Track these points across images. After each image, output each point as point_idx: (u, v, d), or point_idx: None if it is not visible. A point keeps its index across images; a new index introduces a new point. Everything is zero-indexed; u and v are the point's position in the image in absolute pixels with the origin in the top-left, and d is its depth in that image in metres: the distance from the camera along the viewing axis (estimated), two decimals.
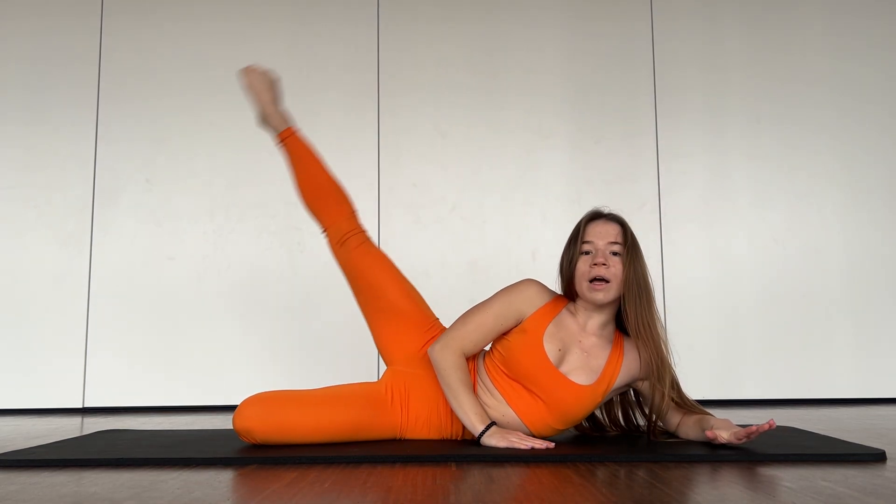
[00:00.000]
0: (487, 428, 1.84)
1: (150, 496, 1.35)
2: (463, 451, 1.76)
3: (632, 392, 2.06)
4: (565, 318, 1.96)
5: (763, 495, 1.30)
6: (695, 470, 1.56)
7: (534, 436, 1.96)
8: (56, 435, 2.36)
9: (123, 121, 3.63)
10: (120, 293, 3.53)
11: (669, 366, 1.92)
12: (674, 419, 1.95)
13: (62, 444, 1.99)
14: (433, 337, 2.05)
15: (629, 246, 1.92)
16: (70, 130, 3.61)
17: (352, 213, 2.19)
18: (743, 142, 3.64)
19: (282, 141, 2.26)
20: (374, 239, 3.53)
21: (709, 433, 1.77)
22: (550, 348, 1.91)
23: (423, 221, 3.59)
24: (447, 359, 1.90)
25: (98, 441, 2.05)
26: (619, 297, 1.92)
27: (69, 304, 3.51)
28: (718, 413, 2.27)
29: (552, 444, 1.80)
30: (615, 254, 1.91)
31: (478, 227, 3.59)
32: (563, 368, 1.92)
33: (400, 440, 1.96)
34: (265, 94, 2.29)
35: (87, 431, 2.51)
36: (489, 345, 2.01)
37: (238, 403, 1.94)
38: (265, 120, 2.30)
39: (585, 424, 2.12)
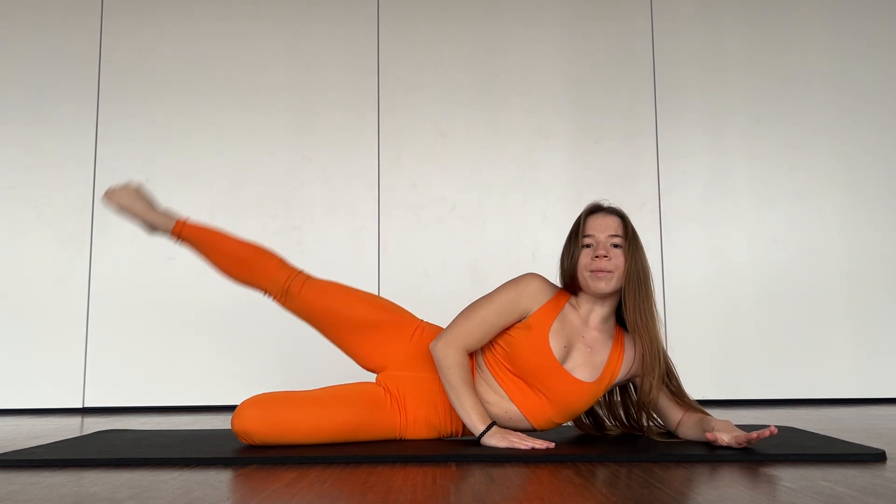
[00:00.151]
0: (488, 428, 1.84)
1: (150, 496, 1.35)
2: (463, 451, 1.77)
3: (632, 389, 2.06)
4: (569, 312, 1.96)
5: (763, 495, 1.30)
6: (695, 470, 1.56)
7: (535, 430, 1.97)
8: (56, 435, 2.36)
9: (123, 121, 3.63)
10: (120, 293, 3.53)
11: (663, 357, 1.94)
12: (674, 418, 1.95)
13: (62, 444, 1.98)
14: (419, 336, 2.04)
15: (630, 238, 1.93)
16: (70, 130, 3.61)
17: (280, 263, 2.13)
18: (743, 142, 3.64)
19: (178, 237, 2.15)
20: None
21: (709, 435, 1.77)
22: (556, 345, 1.91)
23: (423, 221, 3.59)
24: (450, 357, 1.90)
25: (98, 441, 2.05)
26: (621, 289, 1.93)
27: (69, 304, 3.51)
28: (718, 413, 2.27)
29: (552, 444, 1.80)
30: (616, 246, 1.92)
31: (478, 227, 3.59)
32: (568, 365, 1.93)
33: (400, 440, 1.96)
34: (138, 206, 2.17)
35: (87, 431, 2.51)
36: None
37: (238, 403, 1.94)
38: (152, 228, 2.18)
39: (586, 421, 2.12)
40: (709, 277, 3.57)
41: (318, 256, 3.56)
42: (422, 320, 2.11)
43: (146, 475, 1.56)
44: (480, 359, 2.00)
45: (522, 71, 3.69)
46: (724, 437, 1.75)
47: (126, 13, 3.70)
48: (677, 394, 1.96)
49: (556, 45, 3.71)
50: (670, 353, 1.99)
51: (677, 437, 1.94)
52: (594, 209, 1.99)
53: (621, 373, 1.98)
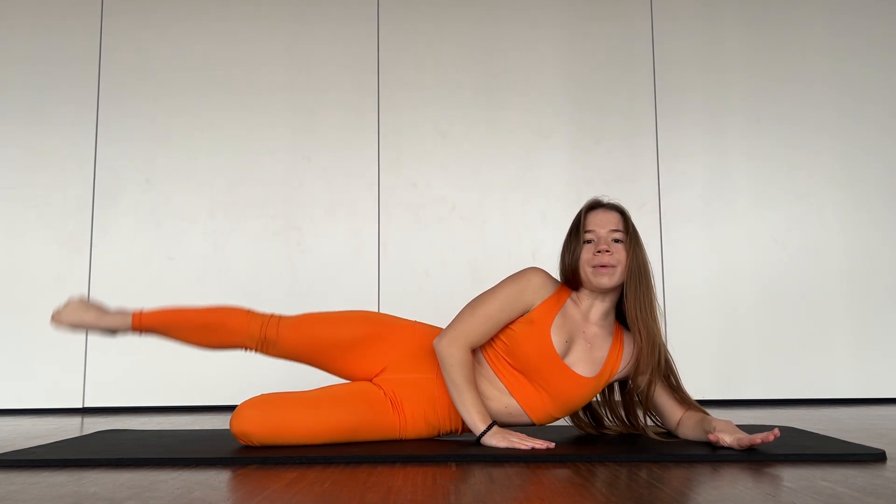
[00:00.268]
0: (489, 428, 1.84)
1: (150, 496, 1.35)
2: (463, 451, 1.76)
3: (632, 387, 2.06)
4: (570, 308, 1.97)
5: (763, 495, 1.30)
6: (695, 470, 1.56)
7: (533, 425, 1.98)
8: (56, 435, 2.36)
9: (123, 121, 3.63)
10: (120, 293, 3.51)
11: (662, 351, 1.94)
12: (673, 417, 1.95)
13: (62, 444, 1.98)
14: (410, 338, 2.03)
15: (630, 233, 1.94)
16: (70, 130, 3.61)
17: (247, 315, 2.05)
18: (743, 142, 3.64)
19: (139, 329, 2.07)
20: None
21: (711, 437, 1.77)
22: (558, 340, 1.92)
23: (423, 221, 3.59)
24: (454, 355, 1.90)
25: (98, 441, 2.05)
26: (622, 283, 1.94)
27: None
28: (719, 413, 2.27)
29: (552, 444, 1.80)
30: (617, 241, 1.93)
31: (478, 227, 3.59)
32: (568, 360, 1.93)
33: (400, 440, 1.96)
34: (89, 317, 2.07)
35: (87, 431, 2.51)
36: None
37: (237, 404, 1.94)
38: (112, 331, 2.09)
39: (585, 419, 2.12)
40: (709, 277, 3.57)
41: (318, 256, 3.56)
42: (409, 320, 2.11)
43: (146, 475, 1.56)
44: (480, 354, 2.00)
45: (522, 71, 3.69)
46: (727, 439, 1.75)
47: (126, 13, 3.70)
48: (677, 390, 1.96)
49: (556, 45, 3.71)
50: (670, 353, 1.99)
51: (677, 437, 1.94)
52: (594, 205, 2.00)
53: (620, 368, 1.99)
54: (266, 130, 3.64)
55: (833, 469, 1.54)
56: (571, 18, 3.73)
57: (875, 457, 1.68)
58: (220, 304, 2.11)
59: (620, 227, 1.95)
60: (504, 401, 1.96)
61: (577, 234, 1.96)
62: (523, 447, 1.77)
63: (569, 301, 1.98)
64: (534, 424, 2.00)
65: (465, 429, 1.97)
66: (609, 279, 1.91)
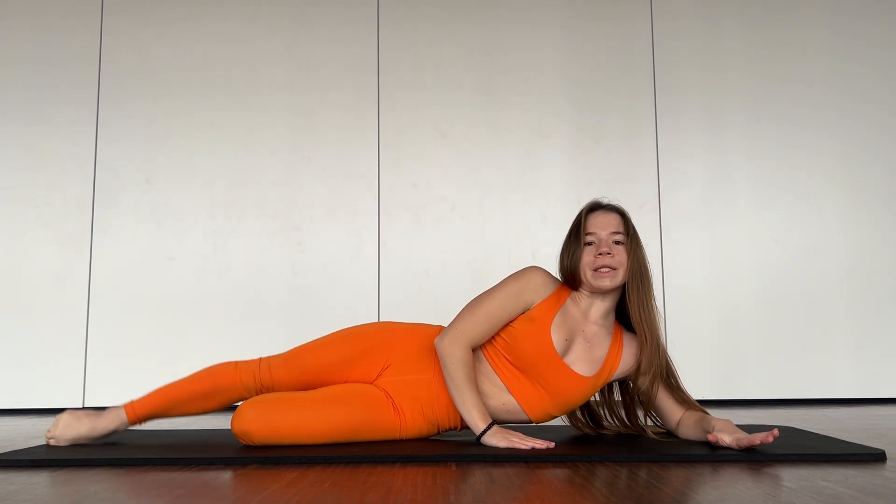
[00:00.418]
0: (489, 427, 1.84)
1: (151, 496, 1.35)
2: (463, 451, 1.76)
3: (632, 387, 2.06)
4: (570, 307, 1.97)
5: (763, 495, 1.30)
6: (695, 470, 1.56)
7: (531, 423, 1.99)
8: None
9: (123, 121, 3.63)
10: (120, 293, 3.53)
11: (663, 352, 1.95)
12: (673, 417, 1.95)
13: (62, 444, 1.98)
14: (405, 342, 2.02)
15: (631, 235, 1.95)
16: (70, 130, 3.61)
17: (235, 370, 2.02)
18: (743, 142, 3.64)
19: (137, 420, 2.03)
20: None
21: (710, 437, 1.77)
22: (557, 338, 1.92)
23: (423, 221, 3.59)
24: (455, 354, 1.90)
25: (98, 441, 2.05)
26: (623, 285, 1.95)
27: (69, 304, 3.51)
28: (719, 413, 2.27)
29: (552, 444, 1.80)
30: (618, 243, 1.94)
31: (478, 227, 3.59)
32: (568, 359, 1.94)
33: (400, 440, 1.96)
34: (84, 427, 2.00)
35: None
36: None
37: (238, 404, 1.94)
38: (112, 431, 2.03)
39: (584, 419, 2.11)
40: (709, 277, 3.57)
41: (318, 256, 3.56)
42: (404, 323, 2.10)
43: (146, 475, 1.56)
44: (479, 351, 2.00)
45: (522, 71, 3.69)
46: (726, 439, 1.75)
47: (126, 13, 3.70)
48: (676, 390, 1.96)
49: (556, 45, 3.71)
50: (670, 353, 2.00)
51: (677, 436, 1.94)
52: (594, 206, 2.00)
53: (619, 368, 1.99)
54: (266, 130, 3.64)
55: (833, 469, 1.54)
56: (571, 18, 3.73)
57: (875, 457, 1.68)
58: (205, 368, 2.06)
59: (621, 228, 1.95)
60: (502, 398, 1.96)
61: (577, 235, 1.96)
62: (523, 447, 1.77)
63: (569, 300, 1.98)
64: (532, 423, 2.00)
65: (465, 425, 1.97)
66: (611, 281, 1.92)
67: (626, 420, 2.09)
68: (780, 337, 3.53)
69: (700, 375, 3.45)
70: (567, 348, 1.94)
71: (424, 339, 2.02)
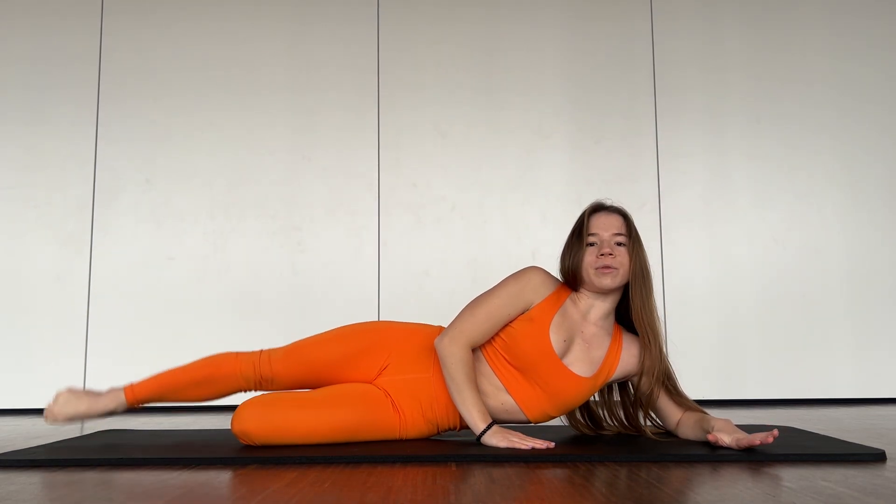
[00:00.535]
0: (488, 427, 1.84)
1: (151, 496, 1.35)
2: (463, 451, 1.76)
3: (631, 388, 2.07)
4: (569, 307, 1.98)
5: (763, 495, 1.30)
6: (695, 470, 1.56)
7: (530, 423, 1.99)
8: (56, 435, 2.36)
9: (123, 121, 3.63)
10: (120, 293, 3.53)
11: (663, 354, 1.96)
12: (672, 418, 1.96)
13: (62, 444, 1.98)
14: (405, 342, 2.02)
15: (633, 236, 1.96)
16: (70, 130, 3.61)
17: (236, 360, 2.02)
18: (743, 142, 3.64)
19: (135, 402, 2.04)
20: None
21: (710, 437, 1.77)
22: (556, 339, 1.93)
23: (423, 221, 3.59)
24: (455, 353, 1.90)
25: (98, 441, 2.05)
26: (624, 285, 1.95)
27: (69, 304, 3.51)
28: (718, 413, 2.27)
29: (552, 444, 1.80)
30: (620, 244, 1.95)
31: (478, 227, 3.59)
32: (566, 359, 1.94)
33: (400, 440, 1.96)
34: (82, 406, 2.02)
35: (87, 431, 2.51)
36: None
37: (238, 404, 1.94)
38: (109, 412, 2.04)
39: (583, 420, 2.11)
40: (709, 277, 3.57)
41: (318, 256, 3.57)
42: (403, 323, 2.11)
43: (146, 475, 1.56)
44: (479, 350, 2.00)
45: (522, 71, 3.69)
46: (725, 439, 1.75)
47: (126, 13, 3.70)
48: (675, 393, 1.97)
49: (556, 45, 3.71)
50: (670, 353, 2.00)
51: (676, 436, 1.94)
52: (597, 207, 2.01)
53: (618, 369, 1.99)
54: (266, 130, 3.64)
55: (833, 469, 1.54)
56: (571, 18, 3.73)
57: (875, 457, 1.68)
58: (206, 356, 2.06)
59: (623, 230, 1.96)
60: (500, 398, 1.96)
61: (580, 236, 1.97)
62: (523, 447, 1.77)
63: (568, 300, 1.98)
64: (530, 422, 2.00)
65: (464, 425, 1.97)
66: (612, 280, 1.92)
67: (625, 421, 2.09)
68: (779, 337, 3.53)
69: (700, 375, 3.45)
70: (566, 349, 1.94)
71: (424, 338, 2.02)
